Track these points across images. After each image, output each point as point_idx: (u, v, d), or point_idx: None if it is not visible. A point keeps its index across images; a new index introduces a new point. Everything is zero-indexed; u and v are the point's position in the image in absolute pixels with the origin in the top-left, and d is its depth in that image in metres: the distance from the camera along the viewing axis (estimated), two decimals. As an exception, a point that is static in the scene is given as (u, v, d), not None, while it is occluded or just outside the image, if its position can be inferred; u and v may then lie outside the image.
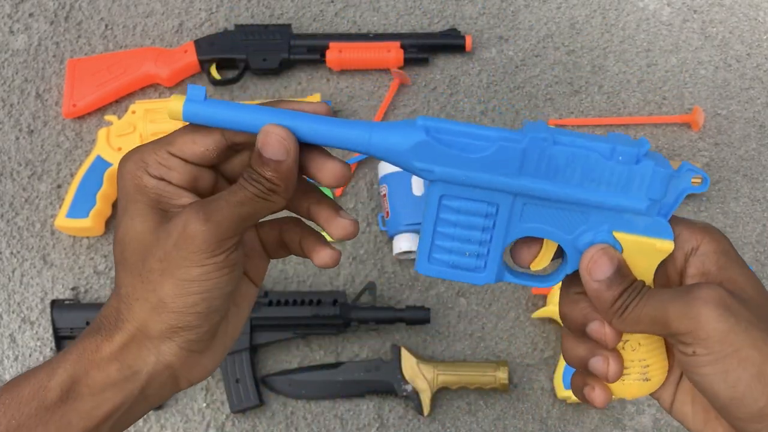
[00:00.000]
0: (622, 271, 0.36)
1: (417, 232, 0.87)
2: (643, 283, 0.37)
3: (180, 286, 0.37)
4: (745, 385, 0.33)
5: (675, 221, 0.38)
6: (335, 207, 0.42)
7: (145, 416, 0.84)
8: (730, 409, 0.34)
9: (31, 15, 1.02)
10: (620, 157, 0.36)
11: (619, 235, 0.37)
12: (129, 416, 0.39)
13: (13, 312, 0.89)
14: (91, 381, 0.37)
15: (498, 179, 0.37)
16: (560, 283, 0.41)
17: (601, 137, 0.37)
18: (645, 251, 0.37)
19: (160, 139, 0.39)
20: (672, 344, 0.37)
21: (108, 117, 0.93)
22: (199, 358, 0.40)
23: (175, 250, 0.37)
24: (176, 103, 0.38)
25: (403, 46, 0.97)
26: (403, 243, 0.86)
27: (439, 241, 0.39)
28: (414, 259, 0.90)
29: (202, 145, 0.39)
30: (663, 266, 0.38)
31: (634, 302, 0.36)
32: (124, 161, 0.39)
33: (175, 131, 0.39)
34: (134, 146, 0.93)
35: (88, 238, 0.91)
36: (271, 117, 0.37)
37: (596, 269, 0.36)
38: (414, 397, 0.83)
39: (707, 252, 0.37)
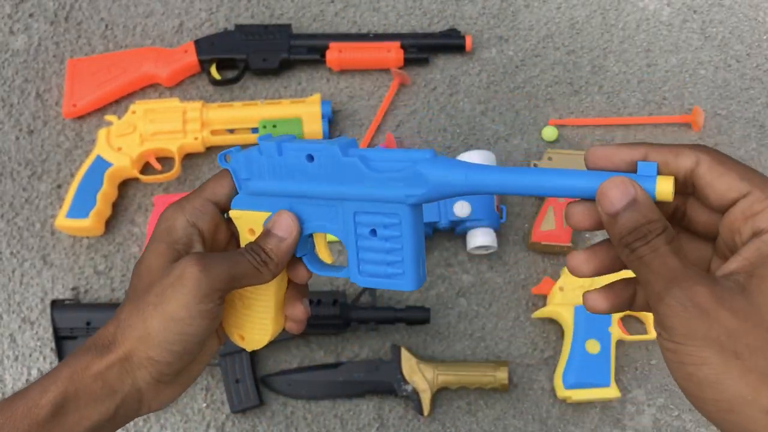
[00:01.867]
0: (637, 207, 0.33)
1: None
2: (661, 229, 0.33)
3: (166, 323, 0.41)
4: (697, 379, 0.31)
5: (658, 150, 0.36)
6: (304, 293, 0.50)
7: (145, 417, 0.84)
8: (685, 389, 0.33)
9: (31, 15, 1.03)
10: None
11: None
12: None
13: (13, 312, 0.89)
14: (78, 398, 0.40)
15: None
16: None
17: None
18: None
19: (198, 189, 0.47)
20: None
21: (108, 117, 0.93)
22: (163, 388, 0.44)
23: (170, 289, 0.41)
24: None
25: (403, 46, 0.97)
26: (403, 243, 0.86)
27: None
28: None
29: (227, 187, 0.46)
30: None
31: (642, 249, 0.33)
32: (167, 207, 0.46)
33: (207, 181, 0.47)
34: (134, 146, 0.94)
35: (88, 238, 0.91)
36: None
37: (606, 202, 0.34)
38: (414, 397, 0.83)
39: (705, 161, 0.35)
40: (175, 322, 0.41)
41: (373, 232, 0.43)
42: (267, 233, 0.44)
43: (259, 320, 0.49)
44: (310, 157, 0.44)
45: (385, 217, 0.43)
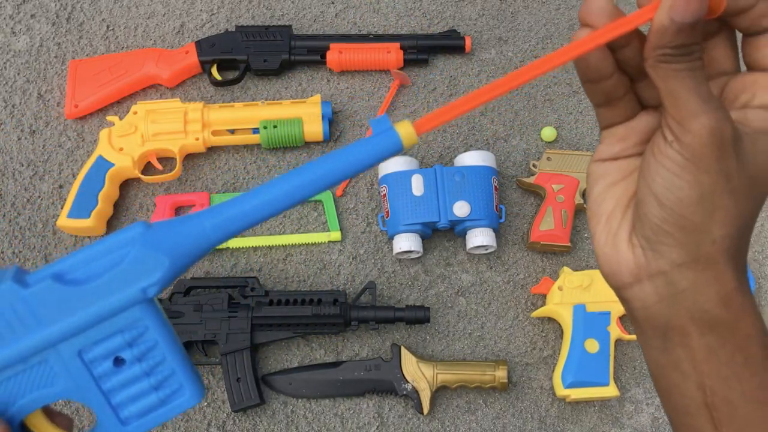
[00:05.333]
0: (695, 28, 0.32)
1: (417, 232, 0.88)
2: (699, 55, 0.33)
3: None
4: (685, 198, 0.33)
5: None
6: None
7: (147, 415, 0.85)
8: (659, 206, 0.34)
9: (32, 16, 1.03)
10: None
11: None
12: None
13: (15, 311, 0.89)
14: None
15: None
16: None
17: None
18: None
19: None
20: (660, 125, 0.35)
21: (110, 117, 0.93)
22: None
23: None
24: None
25: (402, 47, 0.98)
26: (403, 243, 0.87)
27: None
28: (414, 259, 0.90)
29: None
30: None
31: (678, 64, 0.33)
32: None
33: None
34: (136, 147, 0.95)
35: (89, 237, 0.92)
36: None
37: (682, 9, 0.32)
38: (414, 396, 0.83)
39: None
40: None
41: (117, 360, 0.33)
42: None
43: None
44: None
45: (125, 334, 0.33)
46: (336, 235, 0.91)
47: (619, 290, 0.36)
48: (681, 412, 0.36)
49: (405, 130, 0.32)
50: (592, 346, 0.83)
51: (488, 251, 0.90)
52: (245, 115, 0.93)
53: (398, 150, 0.33)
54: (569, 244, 0.89)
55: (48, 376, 0.33)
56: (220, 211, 0.32)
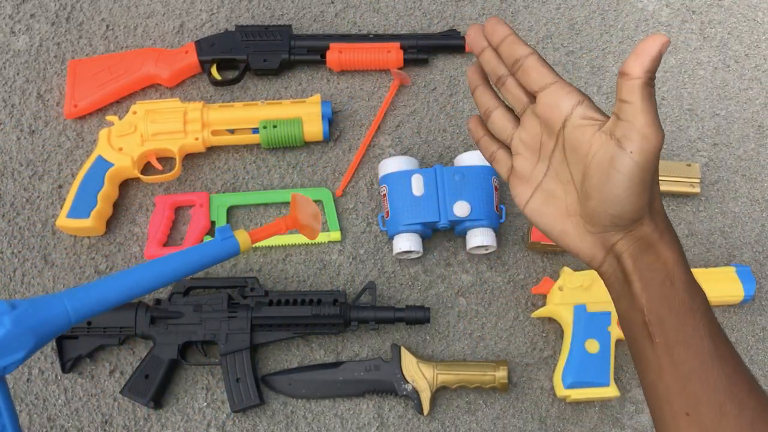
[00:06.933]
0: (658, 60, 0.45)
1: (417, 232, 0.87)
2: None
3: None
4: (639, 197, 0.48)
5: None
6: None
7: (146, 415, 0.85)
8: (615, 203, 0.48)
9: (32, 16, 1.03)
10: None
11: None
12: None
13: (14, 311, 0.89)
14: None
15: None
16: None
17: None
18: None
19: None
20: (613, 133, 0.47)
21: (109, 117, 0.93)
22: None
23: None
24: None
25: (402, 47, 0.97)
26: (403, 243, 0.87)
27: None
28: (414, 259, 0.90)
29: None
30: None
31: (652, 87, 0.46)
32: None
33: None
34: (135, 146, 0.95)
35: (89, 238, 0.92)
36: None
37: (646, 51, 0.45)
38: (414, 397, 0.83)
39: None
40: None
41: None
42: None
43: None
44: None
45: None
46: (336, 235, 0.91)
47: (597, 269, 0.52)
48: (630, 336, 0.51)
49: (242, 238, 0.40)
50: (592, 346, 0.83)
51: (488, 251, 0.89)
52: (245, 115, 0.93)
53: (237, 252, 0.41)
54: (570, 244, 0.88)
55: None
56: (81, 294, 0.35)
